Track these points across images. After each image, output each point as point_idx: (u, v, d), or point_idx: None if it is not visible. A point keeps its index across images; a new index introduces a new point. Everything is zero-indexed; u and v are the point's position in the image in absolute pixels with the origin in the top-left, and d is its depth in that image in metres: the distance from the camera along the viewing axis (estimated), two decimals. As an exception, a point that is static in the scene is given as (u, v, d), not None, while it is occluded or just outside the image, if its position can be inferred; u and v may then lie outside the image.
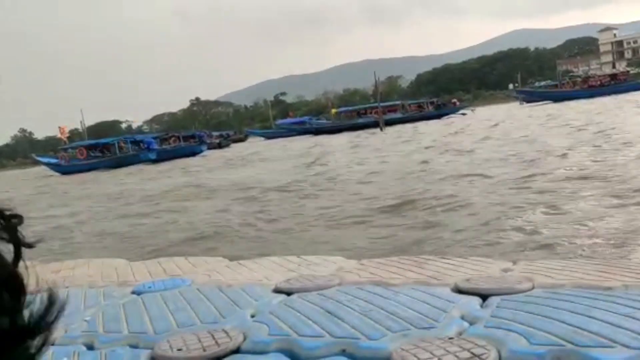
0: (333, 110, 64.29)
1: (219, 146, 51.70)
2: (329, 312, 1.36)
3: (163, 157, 34.62)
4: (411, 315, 1.28)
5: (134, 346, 1.31)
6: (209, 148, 43.38)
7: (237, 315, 1.44)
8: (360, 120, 52.19)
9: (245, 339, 1.26)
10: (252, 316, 1.44)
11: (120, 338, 1.36)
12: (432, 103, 58.81)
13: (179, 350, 1.22)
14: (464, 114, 52.74)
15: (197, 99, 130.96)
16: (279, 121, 71.76)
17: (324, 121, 60.34)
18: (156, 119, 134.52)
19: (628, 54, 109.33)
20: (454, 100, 65.19)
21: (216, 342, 1.24)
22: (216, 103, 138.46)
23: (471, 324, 1.20)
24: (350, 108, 62.36)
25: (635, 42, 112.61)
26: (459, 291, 1.43)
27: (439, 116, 51.42)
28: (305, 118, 65.64)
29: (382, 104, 49.96)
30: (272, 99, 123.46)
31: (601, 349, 0.99)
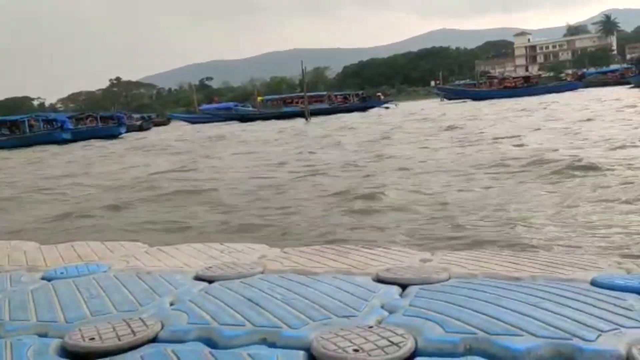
0: (259, 98, 63.72)
1: (140, 129, 50.00)
2: (250, 301, 1.35)
3: (78, 137, 33.00)
4: (332, 304, 1.29)
5: (42, 335, 1.24)
6: (129, 130, 41.88)
7: (155, 303, 1.39)
8: (286, 109, 52.15)
9: (163, 327, 1.22)
10: (171, 304, 1.40)
11: (28, 326, 1.29)
12: (357, 95, 59.67)
13: (92, 339, 1.17)
14: (387, 108, 53.86)
15: (118, 78, 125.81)
16: (204, 106, 70.39)
17: (250, 108, 59.73)
18: (72, 98, 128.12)
19: (540, 59, 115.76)
20: (379, 93, 66.49)
21: (132, 330, 1.20)
22: (138, 84, 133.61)
23: (390, 312, 1.23)
24: (276, 96, 62.11)
25: (547, 47, 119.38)
26: (380, 280, 1.46)
27: (363, 108, 52.21)
28: (231, 104, 64.68)
29: (308, 94, 50.07)
30: (198, 83, 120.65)
31: (510, 336, 1.04)
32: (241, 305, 1.32)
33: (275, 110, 52.41)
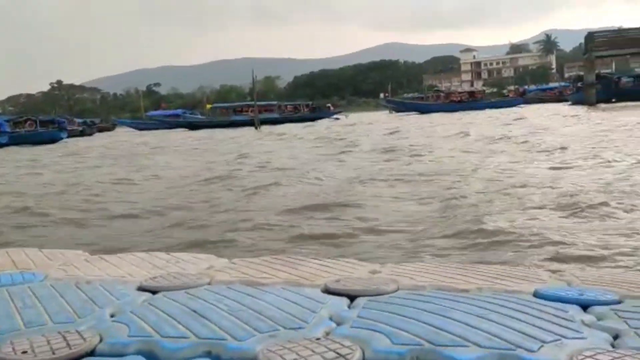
0: (208, 106, 63.07)
1: (82, 134, 48.55)
2: (195, 312, 1.31)
3: (16, 141, 31.76)
4: (280, 316, 1.27)
5: (-30, 349, 1.17)
6: (71, 135, 40.66)
7: (94, 315, 1.33)
8: (236, 118, 51.80)
9: (101, 340, 1.17)
10: (112, 316, 1.34)
11: (-46, 340, 1.21)
12: (307, 106, 59.89)
13: (24, 352, 1.10)
14: (337, 119, 54.34)
15: (59, 82, 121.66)
16: (151, 112, 68.99)
17: (199, 116, 59.02)
18: (11, 101, 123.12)
19: (485, 75, 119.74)
20: (329, 104, 66.99)
21: (68, 344, 1.14)
22: (81, 88, 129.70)
23: (338, 324, 1.22)
24: (226, 104, 61.59)
25: (491, 64, 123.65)
26: (329, 292, 1.44)
27: (313, 119, 52.49)
28: (179, 111, 63.71)
29: (258, 103, 49.89)
30: (145, 88, 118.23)
31: (456, 347, 1.05)
32: (186, 317, 1.28)
33: (225, 119, 51.96)
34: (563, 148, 11.08)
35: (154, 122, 58.55)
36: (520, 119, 26.72)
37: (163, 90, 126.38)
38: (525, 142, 13.21)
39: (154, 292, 1.50)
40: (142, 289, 1.54)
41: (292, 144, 19.52)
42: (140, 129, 58.01)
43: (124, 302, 1.42)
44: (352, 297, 1.39)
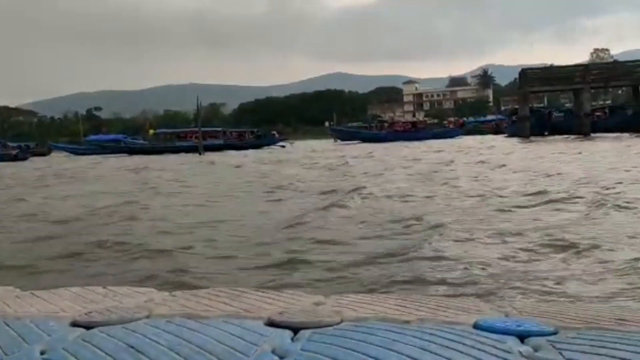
0: (151, 131, 61.97)
1: (15, 158, 46.61)
2: (132, 348, 1.26)
3: (-56, 165, 30.15)
4: (221, 350, 1.24)
5: None
6: (3, 159, 39.00)
7: (23, 352, 1.26)
8: (180, 144, 51.09)
9: (30, 379, 1.10)
10: (42, 353, 1.27)
11: None
12: (252, 132, 59.85)
13: (-56, 396, 1.03)
14: (283, 146, 54.50)
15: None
16: (91, 137, 67.17)
17: (141, 141, 57.86)
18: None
19: (426, 106, 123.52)
20: (274, 132, 67.18)
21: (-6, 385, 1.07)
22: (17, 111, 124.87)
23: (281, 357, 1.20)
24: (169, 130, 60.74)
25: (432, 96, 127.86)
26: (272, 324, 1.42)
27: (259, 146, 52.44)
28: (120, 136, 62.24)
29: (203, 129, 49.45)
30: (85, 112, 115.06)
31: (399, 380, 1.05)
32: (121, 353, 1.23)
33: (168, 145, 51.13)
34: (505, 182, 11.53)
35: (92, 147, 56.92)
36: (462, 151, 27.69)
37: (104, 115, 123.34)
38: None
39: (88, 328, 1.43)
40: (75, 324, 1.47)
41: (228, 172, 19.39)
42: (78, 154, 56.24)
43: (55, 338, 1.35)
44: (295, 330, 1.38)
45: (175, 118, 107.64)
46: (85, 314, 1.54)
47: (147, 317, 1.53)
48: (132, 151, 50.25)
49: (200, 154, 40.24)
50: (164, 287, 1.90)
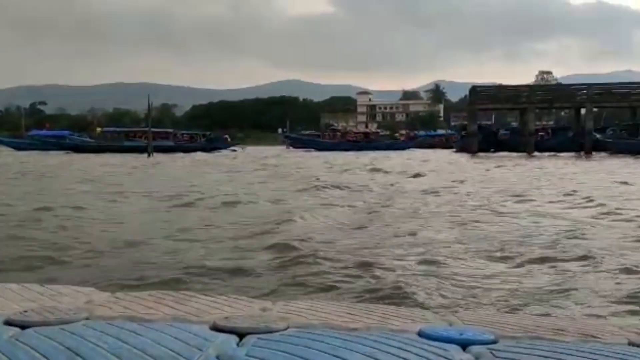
0: (98, 129, 60.28)
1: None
2: (69, 350, 1.22)
3: None
4: (164, 354, 1.21)
5: None
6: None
7: (-50, 353, 1.20)
8: (128, 143, 49.84)
9: (-42, 381, 1.05)
10: (-28, 353, 1.21)
11: None
12: (204, 135, 59.08)
13: None
14: (234, 150, 54.06)
15: None
16: (33, 132, 64.70)
17: (87, 139, 56.15)
18: None
19: (379, 117, 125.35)
20: (226, 136, 66.52)
21: None
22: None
23: (225, 363, 1.18)
24: (118, 129, 59.16)
25: (385, 108, 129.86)
26: (217, 329, 1.40)
27: (209, 149, 51.78)
28: (66, 132, 60.15)
29: (153, 130, 48.45)
30: (28, 106, 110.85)
31: (344, 387, 1.05)
32: (58, 355, 1.19)
33: (116, 143, 49.77)
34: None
35: (35, 142, 54.84)
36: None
37: (49, 110, 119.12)
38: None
39: (23, 327, 1.37)
40: (9, 323, 1.40)
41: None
42: (19, 149, 54.04)
43: (-13, 338, 1.29)
44: (241, 335, 1.36)
45: (124, 117, 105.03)
46: (21, 313, 1.47)
47: (87, 318, 1.47)
48: (77, 149, 48.72)
49: (149, 155, 39.39)
50: (106, 288, 1.84)
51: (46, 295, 1.70)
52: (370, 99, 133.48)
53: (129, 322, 1.45)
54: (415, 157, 36.56)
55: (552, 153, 39.42)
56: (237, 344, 1.31)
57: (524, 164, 26.22)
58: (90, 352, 1.20)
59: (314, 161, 28.96)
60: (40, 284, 1.79)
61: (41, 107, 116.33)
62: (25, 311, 1.49)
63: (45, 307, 1.56)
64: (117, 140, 51.19)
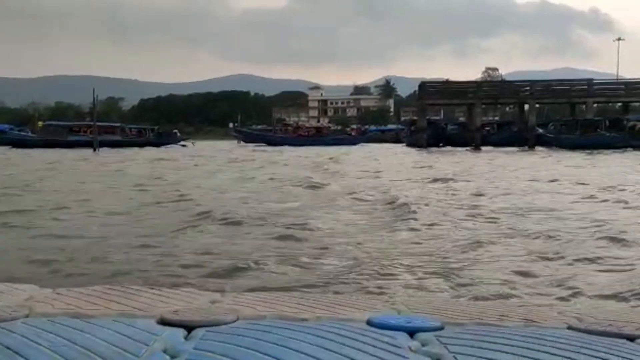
0: (40, 123, 58.05)
1: None
2: (9, 349, 1.17)
3: None
4: (109, 351, 1.18)
5: None
6: None
7: None
8: (72, 138, 48.22)
9: None
10: None
11: None
12: (153, 130, 57.82)
13: None
14: (184, 146, 53.19)
15: None
16: (-32, 126, 61.75)
17: (29, 134, 54.00)
18: None
19: (331, 112, 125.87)
20: (175, 130, 65.31)
21: None
22: None
23: (173, 357, 1.17)
24: (61, 123, 57.11)
25: (337, 103, 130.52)
26: (164, 323, 1.38)
27: (159, 144, 50.73)
28: (5, 126, 57.60)
29: (99, 124, 47.07)
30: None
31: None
32: (-3, 356, 1.14)
33: (59, 138, 48.05)
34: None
35: (-29, 137, 52.39)
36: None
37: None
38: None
39: (-43, 328, 1.31)
40: (-57, 323, 1.34)
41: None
42: (-47, 145, 51.53)
43: None
44: (189, 328, 1.34)
45: (67, 111, 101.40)
46: (-45, 313, 1.41)
47: (27, 316, 1.42)
48: (17, 144, 46.83)
49: (94, 149, 38.25)
50: (47, 284, 1.78)
51: (-18, 294, 1.63)
52: (321, 94, 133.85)
53: (71, 318, 1.40)
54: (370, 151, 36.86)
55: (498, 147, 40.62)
56: (185, 338, 1.29)
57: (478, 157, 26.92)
58: (30, 350, 1.16)
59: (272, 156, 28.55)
60: (-24, 281, 1.71)
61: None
62: (-40, 310, 1.43)
63: (-18, 305, 1.49)
64: (60, 135, 49.43)
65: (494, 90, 50.38)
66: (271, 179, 13.79)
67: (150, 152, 36.34)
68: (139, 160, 24.74)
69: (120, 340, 1.23)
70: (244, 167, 20.12)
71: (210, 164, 22.76)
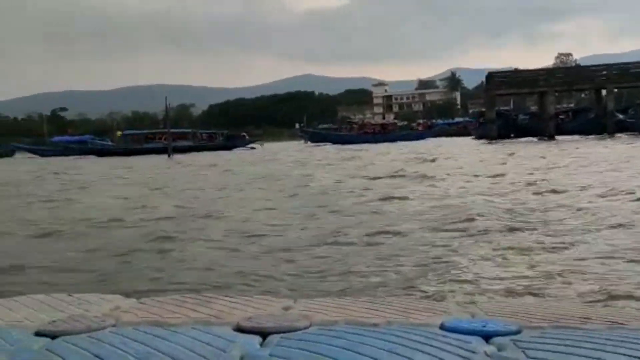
0: (118, 132, 61.03)
1: (-25, 160, 45.39)
2: (97, 357, 1.24)
3: None
4: (189, 357, 1.23)
5: None
6: (-36, 161, 37.85)
7: (-16, 363, 1.23)
8: (148, 145, 50.34)
9: (-8, 390, 1.08)
10: (5, 363, 1.24)
11: None
12: (222, 134, 59.38)
13: None
14: (253, 148, 54.27)
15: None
16: (56, 138, 65.81)
17: (109, 143, 56.86)
18: None
19: (396, 108, 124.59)
20: (244, 133, 66.77)
21: (-46, 397, 1.04)
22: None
23: (250, 363, 1.20)
24: (137, 131, 59.78)
25: (401, 98, 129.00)
26: (240, 330, 1.42)
27: (229, 147, 52.04)
28: (87, 137, 60.91)
29: (172, 130, 48.85)
30: (49, 113, 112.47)
31: (366, 382, 1.06)
32: (88, 363, 1.21)
33: (136, 146, 50.33)
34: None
35: (58, 148, 55.77)
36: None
37: (70, 116, 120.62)
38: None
39: (53, 337, 1.40)
40: (39, 334, 1.44)
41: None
42: (43, 156, 55.03)
43: (18, 348, 1.32)
44: (264, 335, 1.38)
45: (143, 119, 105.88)
46: (50, 323, 1.51)
47: (114, 325, 1.50)
48: (99, 153, 49.38)
49: (169, 156, 39.74)
50: (132, 295, 1.87)
51: (73, 304, 1.73)
52: (386, 90, 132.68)
53: (154, 327, 1.47)
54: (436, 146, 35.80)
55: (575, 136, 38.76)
56: (261, 344, 1.32)
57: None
58: (117, 358, 1.23)
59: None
60: (68, 293, 1.83)
61: (62, 114, 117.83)
62: (54, 321, 1.53)
63: (73, 316, 1.59)
64: (137, 143, 51.75)
65: (567, 76, 48.17)
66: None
67: (241, 154, 36.98)
68: (246, 163, 25.05)
69: (199, 347, 1.29)
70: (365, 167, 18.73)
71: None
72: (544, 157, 18.84)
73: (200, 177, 17.40)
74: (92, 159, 43.28)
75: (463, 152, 26.71)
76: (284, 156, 30.09)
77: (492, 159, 19.53)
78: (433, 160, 19.71)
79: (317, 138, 59.92)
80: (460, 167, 16.30)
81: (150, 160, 32.47)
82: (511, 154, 21.46)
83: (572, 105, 70.72)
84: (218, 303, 1.69)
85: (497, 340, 1.30)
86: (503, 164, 16.72)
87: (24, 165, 30.55)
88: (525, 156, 19.96)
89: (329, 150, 38.55)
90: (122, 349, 1.29)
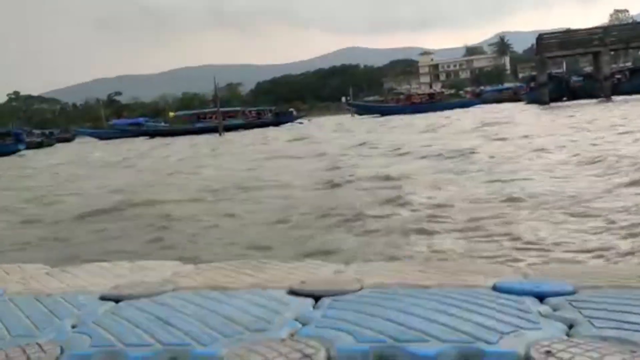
0: (171, 113, 62.39)
1: (39, 145, 47.37)
2: (159, 319, 1.30)
3: (-30, 154, 30.89)
4: (245, 319, 1.27)
5: None
6: (29, 147, 39.64)
7: (55, 327, 1.31)
8: (199, 125, 51.27)
9: (63, 352, 1.15)
10: (73, 327, 1.32)
11: None
12: (270, 111, 59.74)
13: (-18, 369, 1.08)
14: (301, 123, 54.43)
15: (16, 93, 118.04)
16: (114, 121, 68.04)
17: (162, 124, 58.28)
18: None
19: (442, 77, 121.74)
20: (291, 109, 66.95)
21: (28, 357, 1.12)
22: (40, 99, 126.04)
23: (303, 325, 1.23)
24: (189, 112, 60.84)
25: (448, 66, 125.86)
26: (294, 293, 1.45)
27: (277, 124, 52.39)
28: (141, 119, 62.62)
29: (222, 109, 49.51)
30: (106, 98, 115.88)
31: (418, 343, 1.07)
32: (150, 325, 1.27)
33: (188, 126, 51.38)
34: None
35: (115, 131, 57.60)
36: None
37: (124, 99, 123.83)
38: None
39: (116, 301, 1.48)
40: (104, 298, 1.52)
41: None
42: (102, 139, 57.01)
43: (85, 312, 1.40)
44: (316, 298, 1.40)
45: (193, 100, 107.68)
46: (113, 288, 1.59)
47: (173, 289, 1.57)
48: (154, 134, 50.72)
49: (220, 134, 40.40)
50: (189, 261, 1.94)
51: (134, 271, 1.81)
52: (432, 59, 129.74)
53: (211, 290, 1.53)
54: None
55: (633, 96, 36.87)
56: (313, 307, 1.36)
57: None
58: (177, 320, 1.29)
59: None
60: (129, 260, 1.91)
61: (117, 98, 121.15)
62: (117, 286, 1.61)
63: (135, 281, 1.67)
64: (189, 123, 52.81)
65: (623, 34, 45.69)
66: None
67: (298, 130, 36.80)
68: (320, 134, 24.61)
69: (254, 310, 1.33)
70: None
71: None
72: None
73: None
74: (162, 139, 43.68)
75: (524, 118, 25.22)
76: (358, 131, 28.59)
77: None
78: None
79: (363, 110, 59.48)
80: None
81: (209, 139, 32.93)
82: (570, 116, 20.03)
83: (629, 64, 67.25)
84: (272, 268, 1.74)
85: (552, 300, 1.29)
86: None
87: (97, 152, 31.07)
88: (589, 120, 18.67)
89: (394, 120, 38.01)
90: (181, 311, 1.35)
